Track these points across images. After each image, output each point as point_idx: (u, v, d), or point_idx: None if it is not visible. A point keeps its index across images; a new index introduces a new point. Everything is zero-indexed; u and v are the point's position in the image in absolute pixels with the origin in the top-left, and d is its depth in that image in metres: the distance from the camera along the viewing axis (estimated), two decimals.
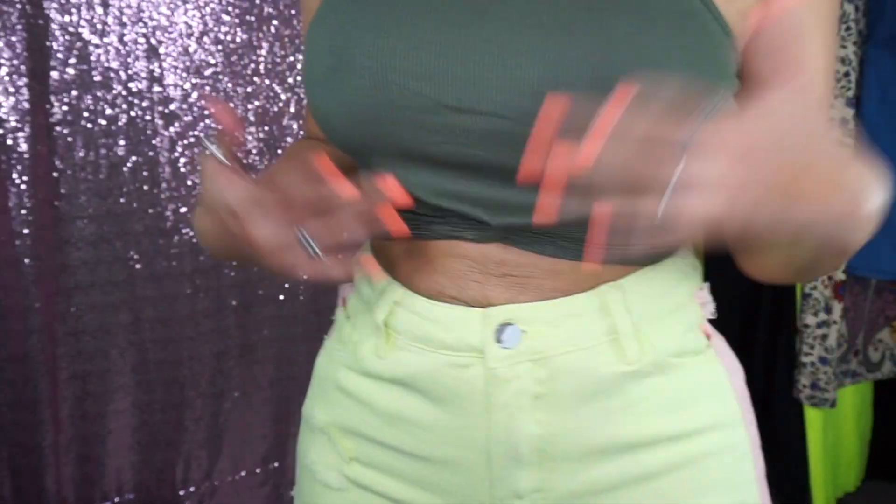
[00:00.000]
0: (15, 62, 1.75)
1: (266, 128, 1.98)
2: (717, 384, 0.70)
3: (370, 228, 0.59)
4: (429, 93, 0.60)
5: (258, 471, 2.13)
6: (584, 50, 0.58)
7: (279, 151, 1.99)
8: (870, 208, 0.56)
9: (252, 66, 1.94)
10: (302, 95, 1.99)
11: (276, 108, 1.98)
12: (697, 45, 0.60)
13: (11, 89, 1.76)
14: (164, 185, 1.91)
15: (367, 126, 0.63)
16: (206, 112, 1.92)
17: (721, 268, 1.73)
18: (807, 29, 0.65)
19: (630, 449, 0.67)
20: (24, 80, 1.76)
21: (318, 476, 0.75)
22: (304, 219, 0.60)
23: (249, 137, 1.97)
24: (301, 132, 2.00)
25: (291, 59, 1.97)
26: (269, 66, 1.95)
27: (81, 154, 1.83)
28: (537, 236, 0.64)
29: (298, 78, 1.98)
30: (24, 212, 1.80)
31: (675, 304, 0.69)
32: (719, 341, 0.73)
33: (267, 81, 1.96)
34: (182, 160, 1.91)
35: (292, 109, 1.99)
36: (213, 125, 0.53)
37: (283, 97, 1.98)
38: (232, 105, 1.94)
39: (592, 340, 0.65)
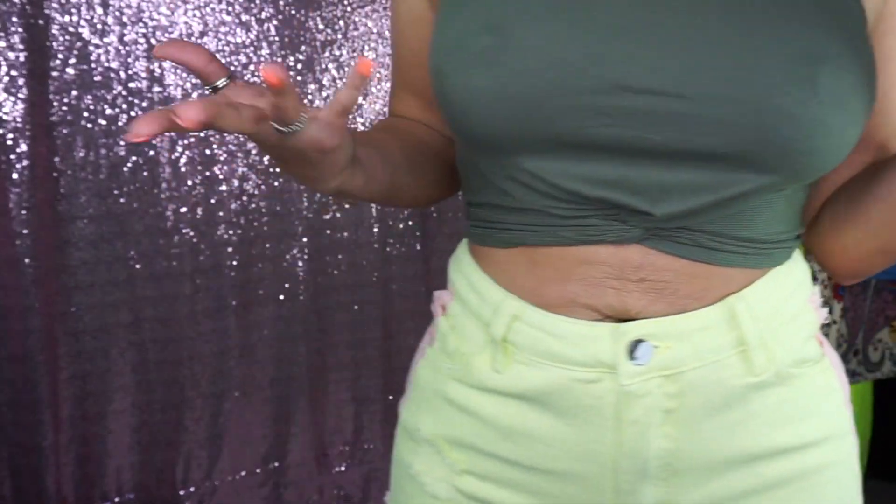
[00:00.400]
0: (15, 62, 1.75)
1: None
2: (832, 394, 0.71)
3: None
4: (606, 73, 0.58)
5: (258, 471, 2.12)
6: (771, 32, 0.58)
7: None
8: None
9: (252, 66, 1.94)
10: (301, 95, 1.99)
11: None
12: (851, 33, 0.61)
13: (11, 89, 1.76)
14: (164, 185, 1.91)
15: (525, 109, 0.60)
16: None
17: None
18: None
19: (752, 461, 0.67)
20: (24, 80, 1.76)
21: (427, 488, 0.74)
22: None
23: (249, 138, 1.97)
24: None
25: (291, 59, 1.97)
26: None
27: (81, 154, 1.83)
28: (677, 235, 0.64)
29: (300, 79, 1.98)
30: (24, 212, 1.80)
31: (794, 312, 0.69)
32: (829, 348, 0.73)
33: None
34: (182, 160, 1.91)
35: None
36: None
37: None
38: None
39: (721, 353, 0.65)
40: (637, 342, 0.64)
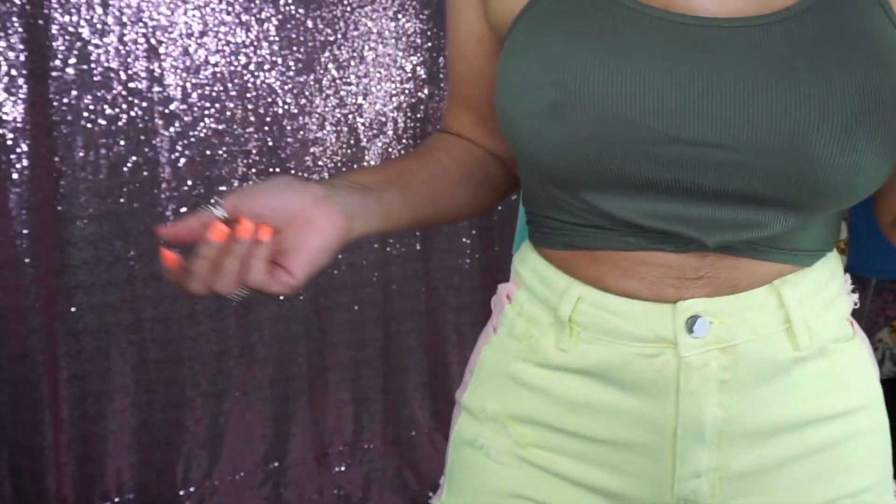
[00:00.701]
0: (15, 62, 1.75)
1: (266, 128, 1.97)
2: (865, 367, 0.79)
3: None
4: (660, 127, 0.65)
5: (258, 471, 2.13)
6: (809, 87, 0.64)
7: (279, 152, 1.99)
8: None
9: (252, 65, 1.94)
10: (300, 95, 1.99)
11: (275, 109, 1.98)
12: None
13: (11, 89, 1.76)
14: (164, 185, 1.91)
15: (588, 158, 0.67)
16: (206, 112, 1.92)
17: None
18: None
19: (796, 427, 0.75)
20: (24, 80, 1.76)
21: (492, 456, 0.80)
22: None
23: (249, 138, 1.97)
24: (299, 133, 2.00)
25: (291, 59, 1.97)
26: (269, 66, 1.95)
27: (81, 154, 1.83)
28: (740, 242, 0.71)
29: (300, 79, 1.98)
30: (24, 212, 1.80)
31: (832, 297, 0.77)
32: (858, 329, 0.81)
33: (267, 82, 1.96)
34: (182, 160, 1.91)
35: (293, 110, 1.99)
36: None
37: (282, 97, 1.98)
38: (231, 105, 1.94)
39: (770, 329, 0.72)
40: (694, 318, 0.71)
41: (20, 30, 1.74)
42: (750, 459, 0.74)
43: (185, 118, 1.90)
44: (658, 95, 0.65)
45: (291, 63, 1.97)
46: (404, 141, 2.10)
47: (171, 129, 1.90)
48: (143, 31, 1.84)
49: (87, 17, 1.80)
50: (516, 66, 0.70)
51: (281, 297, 2.05)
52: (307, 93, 1.99)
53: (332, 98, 2.01)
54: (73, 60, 1.79)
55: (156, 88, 1.87)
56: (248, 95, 1.95)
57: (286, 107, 1.98)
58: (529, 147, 0.69)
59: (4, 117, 1.76)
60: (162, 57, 1.86)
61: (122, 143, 1.86)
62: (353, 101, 2.04)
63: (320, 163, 2.03)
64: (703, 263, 0.71)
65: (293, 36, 1.96)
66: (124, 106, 1.85)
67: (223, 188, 1.95)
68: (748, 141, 0.64)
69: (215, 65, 1.91)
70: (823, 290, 0.75)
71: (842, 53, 0.64)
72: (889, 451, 0.80)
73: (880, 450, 0.79)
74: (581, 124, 0.65)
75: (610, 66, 0.65)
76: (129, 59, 1.84)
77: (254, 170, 1.97)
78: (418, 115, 2.10)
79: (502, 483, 0.80)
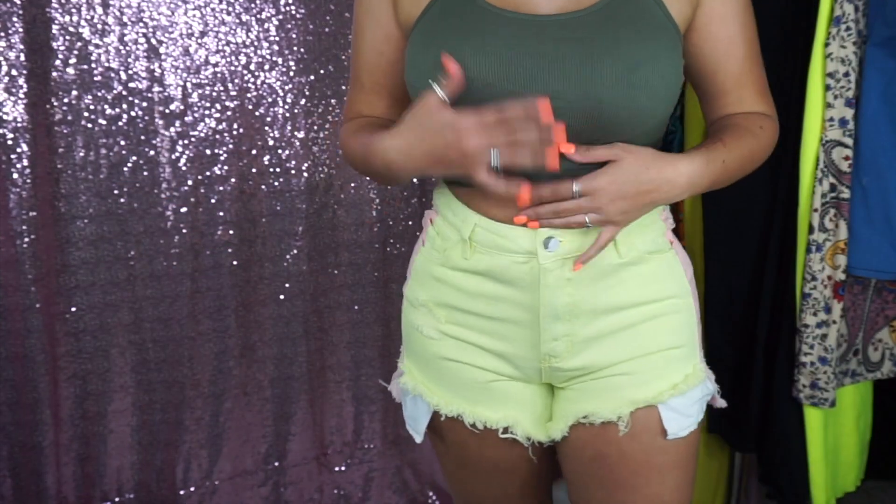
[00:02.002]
0: (15, 62, 1.75)
1: (266, 128, 1.98)
2: (676, 270, 1.13)
3: (535, 159, 0.94)
4: (511, 87, 0.99)
5: (258, 471, 2.13)
6: (601, 53, 0.99)
7: (280, 152, 1.99)
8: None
9: (252, 65, 1.94)
10: (300, 95, 1.99)
11: (276, 109, 1.98)
12: (669, 51, 1.03)
13: (11, 89, 1.76)
14: (164, 185, 1.91)
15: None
16: (206, 112, 1.92)
17: (721, 269, 1.73)
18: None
19: (621, 309, 1.09)
20: (24, 80, 1.76)
21: (424, 332, 1.15)
22: (498, 140, 0.93)
23: (249, 138, 1.97)
24: (298, 132, 2.00)
25: (291, 59, 1.97)
26: (270, 66, 1.95)
27: (81, 154, 1.83)
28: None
29: (300, 79, 1.98)
30: (24, 212, 1.80)
31: (649, 222, 1.10)
32: (678, 246, 1.15)
33: (268, 81, 1.96)
34: (182, 160, 1.91)
35: (295, 110, 1.99)
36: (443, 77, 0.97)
37: (283, 97, 1.98)
38: (231, 105, 1.94)
39: None
40: (549, 238, 1.05)
41: (20, 30, 1.74)
42: (590, 330, 1.09)
43: (186, 118, 1.90)
44: (508, 68, 0.99)
45: (291, 63, 1.97)
46: None
47: (171, 129, 1.90)
48: (144, 31, 1.84)
49: (88, 17, 1.80)
50: (420, 53, 1.04)
51: (281, 297, 2.06)
52: (306, 93, 1.99)
53: (332, 98, 2.01)
54: (73, 60, 1.79)
55: (156, 88, 1.87)
56: (248, 95, 1.95)
57: (286, 107, 1.98)
58: None
59: (4, 117, 1.76)
60: (162, 57, 1.86)
61: (122, 143, 1.86)
62: None
63: (321, 163, 2.04)
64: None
65: (293, 36, 1.96)
66: (124, 106, 1.85)
67: (223, 188, 1.96)
68: (565, 91, 0.98)
69: (215, 65, 1.91)
70: (640, 219, 1.06)
71: (626, 28, 1.00)
72: (696, 327, 1.15)
73: (685, 326, 1.13)
74: (464, 90, 0.96)
75: (480, 51, 0.99)
76: (129, 59, 1.84)
77: (254, 169, 1.97)
78: None
79: (433, 351, 1.15)
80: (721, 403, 1.20)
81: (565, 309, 1.07)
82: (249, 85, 1.94)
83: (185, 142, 1.91)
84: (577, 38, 0.99)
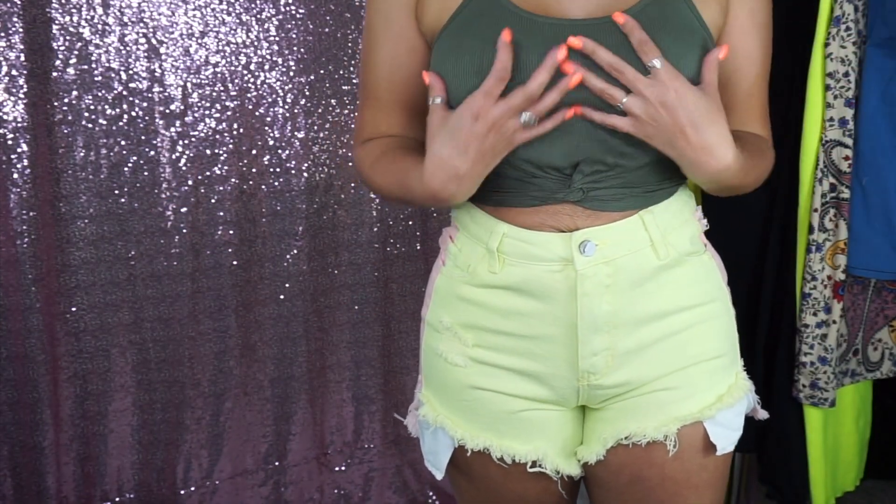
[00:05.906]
0: (15, 62, 1.75)
1: (266, 128, 1.98)
2: (713, 273, 1.08)
3: (559, 91, 0.91)
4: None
5: (258, 470, 2.13)
6: (629, 56, 0.94)
7: (280, 152, 1.99)
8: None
9: (252, 65, 1.94)
10: (301, 95, 1.99)
11: (276, 109, 1.98)
12: (702, 58, 0.98)
13: (12, 89, 1.76)
14: (164, 185, 1.91)
15: None
16: (206, 112, 1.92)
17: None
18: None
19: (662, 316, 1.03)
20: (24, 80, 1.76)
21: (449, 359, 1.07)
22: (515, 99, 0.90)
23: (249, 138, 1.97)
24: (298, 132, 2.00)
25: (291, 59, 1.97)
26: (270, 66, 1.95)
27: (82, 154, 1.83)
28: (607, 192, 1.00)
29: (300, 79, 1.98)
30: (24, 212, 1.80)
31: (684, 220, 1.05)
32: (711, 248, 1.10)
33: (268, 81, 1.96)
34: (182, 160, 1.92)
35: (295, 110, 1.99)
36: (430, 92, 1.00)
37: (283, 97, 1.98)
38: (231, 105, 1.94)
39: (638, 246, 1.01)
40: (585, 242, 0.99)
41: (20, 30, 1.74)
42: (630, 341, 1.02)
43: (186, 118, 1.90)
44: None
45: (291, 63, 1.97)
46: None
47: (172, 129, 1.90)
48: (144, 31, 1.84)
49: (88, 17, 1.80)
50: (447, 62, 0.98)
51: (281, 297, 2.06)
52: (307, 92, 2.00)
53: (332, 98, 2.01)
54: (73, 60, 1.80)
55: (156, 88, 1.87)
56: (249, 95, 1.95)
57: (286, 107, 1.98)
58: None
59: (4, 117, 1.76)
60: (162, 57, 1.86)
61: (122, 143, 1.86)
62: (354, 100, 2.04)
63: (321, 163, 2.04)
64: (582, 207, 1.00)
65: (293, 36, 1.96)
66: (125, 106, 1.85)
67: (223, 188, 1.96)
68: (596, 97, 0.94)
69: (215, 65, 1.91)
70: (675, 217, 1.03)
71: (660, 34, 0.95)
72: (735, 332, 1.11)
73: (726, 332, 1.08)
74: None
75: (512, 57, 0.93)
76: (129, 59, 1.84)
77: (254, 170, 1.98)
78: None
79: (459, 379, 1.07)
80: (763, 415, 1.14)
81: (605, 319, 1.00)
82: (249, 85, 1.94)
83: (186, 142, 1.91)
84: (610, 43, 0.94)
